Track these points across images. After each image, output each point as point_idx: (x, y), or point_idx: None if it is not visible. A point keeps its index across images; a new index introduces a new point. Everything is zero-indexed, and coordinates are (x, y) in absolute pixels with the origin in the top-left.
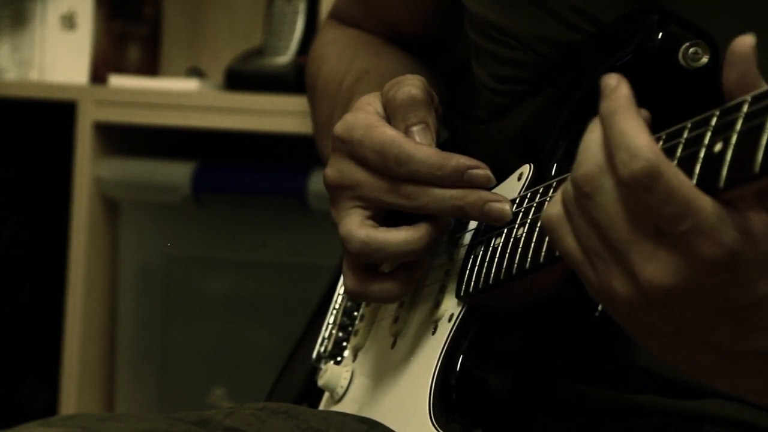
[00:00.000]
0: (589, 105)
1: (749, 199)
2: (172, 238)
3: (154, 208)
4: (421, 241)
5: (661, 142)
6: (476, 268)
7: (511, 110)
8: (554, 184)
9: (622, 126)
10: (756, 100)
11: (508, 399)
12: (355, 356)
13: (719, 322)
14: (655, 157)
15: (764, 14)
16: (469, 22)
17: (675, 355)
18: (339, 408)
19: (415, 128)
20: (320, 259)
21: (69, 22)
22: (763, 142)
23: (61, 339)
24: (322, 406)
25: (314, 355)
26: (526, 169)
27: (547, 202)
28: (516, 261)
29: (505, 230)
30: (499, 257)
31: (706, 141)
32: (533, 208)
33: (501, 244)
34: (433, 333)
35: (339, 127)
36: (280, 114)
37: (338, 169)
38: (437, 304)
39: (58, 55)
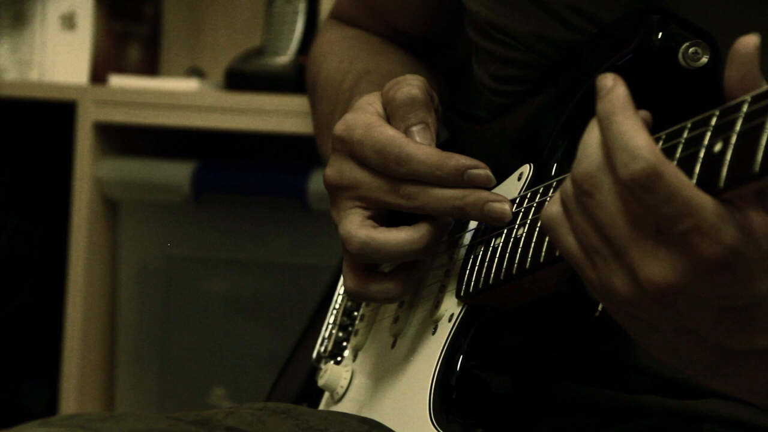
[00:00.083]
0: (589, 105)
1: (749, 199)
2: (172, 238)
3: (154, 208)
4: (421, 241)
5: (660, 142)
6: (476, 268)
7: (511, 110)
8: (554, 184)
9: (621, 127)
10: (756, 99)
11: (508, 399)
12: (355, 356)
13: (719, 321)
14: (654, 158)
15: (764, 14)
16: (469, 21)
17: (674, 354)
18: (339, 408)
19: (415, 128)
20: (320, 259)
21: (69, 22)
22: (763, 142)
23: (61, 339)
24: (322, 406)
25: (314, 355)
26: (526, 169)
27: (547, 202)
28: (516, 261)
29: (505, 230)
30: (499, 257)
31: (706, 141)
32: (533, 208)
33: (501, 244)
34: (434, 333)
35: (339, 127)
36: (280, 114)
37: (338, 169)
38: (437, 304)
39: (58, 55)
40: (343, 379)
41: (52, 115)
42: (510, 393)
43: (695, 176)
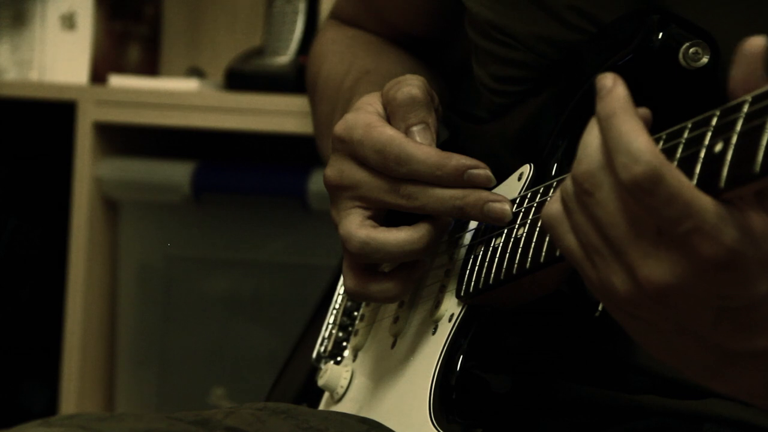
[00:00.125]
0: (589, 105)
1: (749, 199)
2: (172, 238)
3: (154, 208)
4: (421, 241)
5: (661, 143)
6: (476, 268)
7: (511, 110)
8: (554, 184)
9: (621, 128)
10: (756, 100)
11: (508, 399)
12: (355, 356)
13: (718, 322)
14: (655, 160)
15: (764, 14)
16: (469, 22)
17: (673, 355)
18: (339, 408)
19: (415, 128)
20: (320, 259)
21: (69, 22)
22: (764, 143)
23: (61, 339)
24: (322, 406)
25: (314, 355)
26: (527, 169)
27: (547, 202)
28: (516, 261)
29: (506, 230)
30: (499, 257)
31: (707, 141)
32: (533, 208)
33: (501, 244)
34: (434, 333)
35: (339, 127)
36: (280, 114)
37: (338, 169)
38: (437, 304)
39: (58, 55)
40: (343, 379)
41: (52, 115)
42: (510, 393)
43: (696, 176)
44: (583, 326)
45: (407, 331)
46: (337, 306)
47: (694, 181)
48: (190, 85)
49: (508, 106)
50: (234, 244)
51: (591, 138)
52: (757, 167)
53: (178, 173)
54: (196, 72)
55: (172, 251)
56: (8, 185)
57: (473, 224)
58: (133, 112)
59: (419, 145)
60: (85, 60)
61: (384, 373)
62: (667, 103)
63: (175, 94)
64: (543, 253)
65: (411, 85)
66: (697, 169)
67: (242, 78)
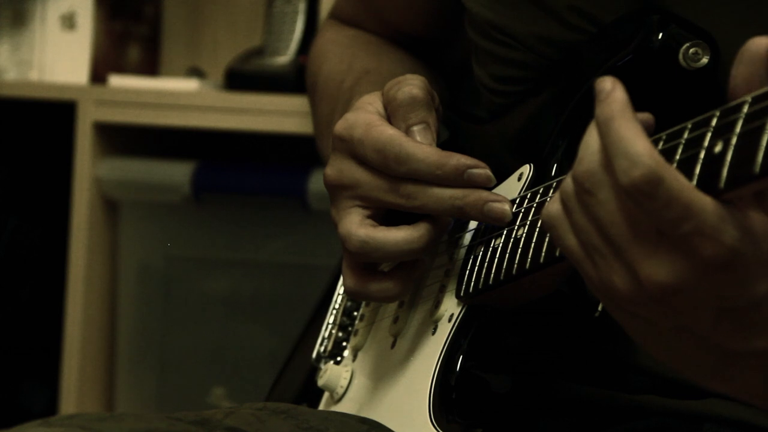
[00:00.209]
0: (589, 105)
1: (749, 200)
2: (172, 238)
3: (154, 208)
4: (421, 240)
5: (661, 143)
6: (476, 268)
7: (511, 110)
8: (554, 184)
9: (620, 132)
10: (756, 100)
11: (508, 399)
12: (355, 356)
13: (718, 322)
14: (654, 164)
15: (764, 14)
16: (469, 22)
17: (673, 355)
18: (339, 408)
19: (415, 128)
20: (320, 259)
21: (69, 22)
22: (764, 143)
23: (61, 339)
24: (322, 406)
25: (314, 355)
26: (526, 170)
27: (547, 201)
28: (516, 261)
29: (505, 231)
30: (499, 257)
31: (707, 142)
32: (533, 209)
33: (501, 245)
34: (433, 333)
35: (339, 126)
36: (280, 114)
37: (338, 168)
38: (437, 304)
39: (58, 55)
40: (343, 379)
41: (52, 115)
42: (510, 393)
43: (695, 177)
44: (583, 326)
45: (407, 331)
46: (337, 306)
47: (694, 182)
48: (190, 85)
49: (508, 106)
50: (234, 244)
51: (591, 139)
52: (757, 168)
53: (178, 173)
54: (196, 72)
55: (172, 251)
56: (8, 185)
57: (473, 224)
58: (133, 112)
59: (419, 145)
60: (85, 60)
61: (384, 373)
62: (667, 104)
63: (175, 94)
64: (543, 254)
65: (411, 85)
66: (697, 170)
67: (242, 78)
